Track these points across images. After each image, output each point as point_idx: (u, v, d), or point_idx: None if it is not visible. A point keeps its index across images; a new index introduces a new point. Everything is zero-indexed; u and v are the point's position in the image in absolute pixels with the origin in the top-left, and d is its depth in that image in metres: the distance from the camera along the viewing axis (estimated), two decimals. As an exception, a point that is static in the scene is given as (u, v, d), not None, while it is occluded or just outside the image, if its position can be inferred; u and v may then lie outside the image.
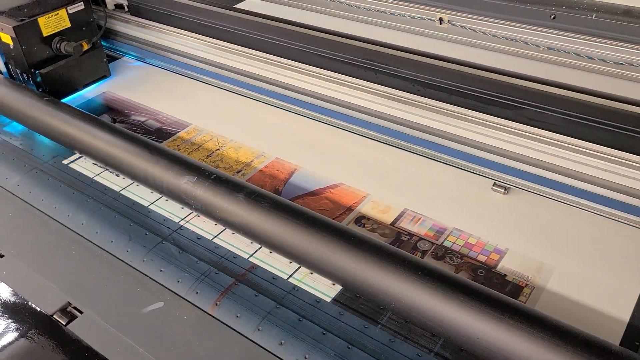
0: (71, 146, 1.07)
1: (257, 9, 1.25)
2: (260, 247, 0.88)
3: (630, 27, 0.83)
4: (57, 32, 1.25)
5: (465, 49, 0.99)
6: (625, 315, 0.75)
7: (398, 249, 0.77)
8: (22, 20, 1.18)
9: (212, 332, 0.76)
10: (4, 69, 1.28)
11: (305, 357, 0.72)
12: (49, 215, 0.97)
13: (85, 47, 1.27)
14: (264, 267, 0.84)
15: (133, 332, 0.77)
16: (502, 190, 0.96)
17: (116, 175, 1.05)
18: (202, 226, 0.92)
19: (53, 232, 0.95)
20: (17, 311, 0.82)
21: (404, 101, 1.04)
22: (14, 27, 1.16)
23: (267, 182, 1.01)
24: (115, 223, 0.94)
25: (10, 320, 0.80)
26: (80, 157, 1.10)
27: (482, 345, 0.66)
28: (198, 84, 1.35)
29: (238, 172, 1.05)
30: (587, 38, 0.87)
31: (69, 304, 0.82)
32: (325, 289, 0.80)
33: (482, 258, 0.84)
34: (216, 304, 0.79)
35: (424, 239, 0.88)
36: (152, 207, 0.97)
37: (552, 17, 0.89)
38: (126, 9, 1.47)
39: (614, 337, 0.72)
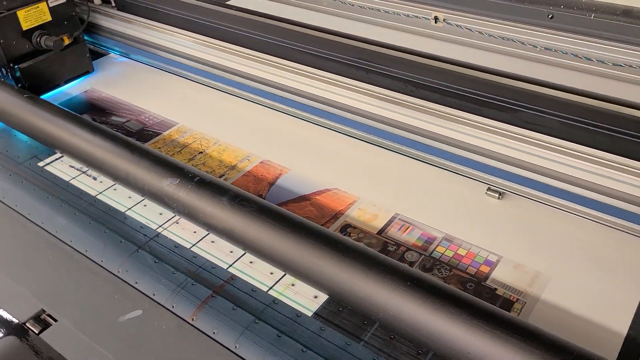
0: (50, 145, 1.04)
1: (249, 6, 1.22)
2: (240, 257, 0.84)
3: (629, 27, 0.81)
4: (37, 25, 1.21)
5: (461, 49, 0.97)
6: (622, 327, 0.72)
7: (387, 257, 0.74)
8: (0, 13, 1.15)
9: (191, 343, 0.73)
10: None
11: (284, 376, 0.68)
12: (26, 217, 0.94)
13: (67, 41, 1.24)
14: (243, 279, 0.81)
15: (109, 342, 0.74)
16: (497, 195, 0.93)
17: (93, 178, 1.01)
18: (180, 234, 0.89)
19: (28, 235, 0.91)
20: (-12, 318, 0.79)
21: (396, 102, 1.01)
22: None
23: (250, 186, 0.98)
24: (89, 230, 0.90)
25: (-20, 328, 0.77)
26: (56, 160, 1.07)
27: (472, 360, 0.63)
28: (184, 82, 1.31)
29: (221, 176, 1.01)
30: (586, 38, 0.84)
31: (43, 311, 0.79)
32: (306, 303, 0.77)
33: (471, 270, 0.81)
34: (192, 319, 0.76)
35: (412, 250, 0.84)
36: (129, 212, 0.94)
37: (550, 16, 0.87)
38: (113, 4, 1.43)
39: (611, 351, 0.69)
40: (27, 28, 1.20)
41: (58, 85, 1.29)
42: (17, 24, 1.18)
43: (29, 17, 1.19)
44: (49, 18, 1.22)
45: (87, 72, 1.34)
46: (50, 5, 1.22)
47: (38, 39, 1.21)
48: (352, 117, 1.08)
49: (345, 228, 0.89)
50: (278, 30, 1.15)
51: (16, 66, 1.19)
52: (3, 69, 1.20)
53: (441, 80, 0.97)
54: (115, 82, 1.33)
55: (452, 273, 0.80)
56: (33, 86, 1.22)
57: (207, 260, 0.84)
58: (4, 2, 1.16)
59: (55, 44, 1.21)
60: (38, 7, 1.20)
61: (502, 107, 0.92)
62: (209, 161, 1.05)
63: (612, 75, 0.85)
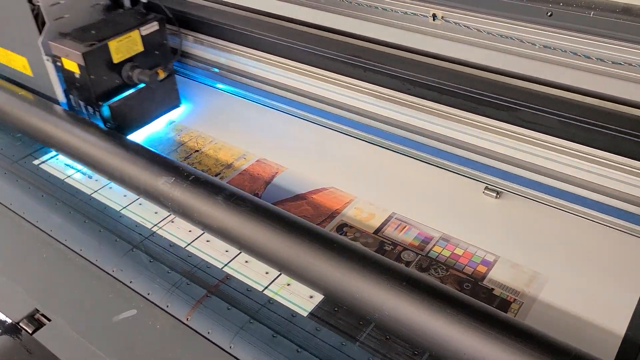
0: (46, 143, 1.03)
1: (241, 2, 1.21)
2: (236, 256, 0.84)
3: (629, 25, 0.80)
4: (129, 57, 1.04)
5: (459, 47, 0.96)
6: (620, 328, 0.72)
7: (383, 257, 0.74)
8: (91, 44, 0.99)
9: (186, 343, 0.72)
10: (63, 99, 1.10)
11: (278, 377, 0.68)
12: (20, 216, 0.94)
13: (162, 75, 1.07)
14: (238, 278, 0.80)
15: (103, 341, 0.74)
16: (494, 195, 0.92)
17: (88, 177, 1.01)
18: (176, 233, 0.88)
19: (23, 234, 0.91)
20: (-19, 318, 0.78)
21: (394, 100, 1.01)
22: (83, 54, 0.97)
23: (246, 185, 0.97)
24: (84, 229, 0.90)
25: (-27, 328, 0.77)
26: (51, 158, 1.06)
27: (468, 362, 0.62)
28: (178, 79, 1.30)
29: (217, 175, 1.01)
30: (585, 36, 0.83)
31: (37, 310, 0.79)
32: (301, 302, 0.76)
33: (468, 270, 0.80)
34: (187, 319, 0.75)
35: (409, 249, 0.84)
36: (124, 211, 0.93)
37: (549, 14, 0.86)
38: None
39: (609, 352, 0.69)
40: (119, 61, 1.03)
41: (145, 124, 1.11)
42: (108, 56, 1.01)
43: (121, 48, 1.02)
44: (141, 48, 1.06)
45: (175, 106, 1.16)
46: (143, 33, 1.05)
47: (130, 73, 1.04)
48: (348, 115, 1.07)
49: (342, 227, 0.88)
50: (274, 27, 1.14)
51: (106, 104, 1.03)
52: (90, 108, 1.04)
53: (439, 78, 0.96)
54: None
55: (449, 273, 0.80)
56: (121, 126, 1.06)
57: (202, 260, 0.83)
58: (93, 32, 1.02)
59: (152, 79, 1.04)
60: (130, 36, 1.03)
61: (501, 106, 0.91)
62: (204, 160, 1.04)
63: (611, 74, 0.84)
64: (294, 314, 0.75)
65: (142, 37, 1.05)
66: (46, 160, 1.05)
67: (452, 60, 0.96)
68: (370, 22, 1.04)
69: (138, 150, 0.92)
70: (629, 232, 0.85)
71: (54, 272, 0.84)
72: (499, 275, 0.79)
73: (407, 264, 0.81)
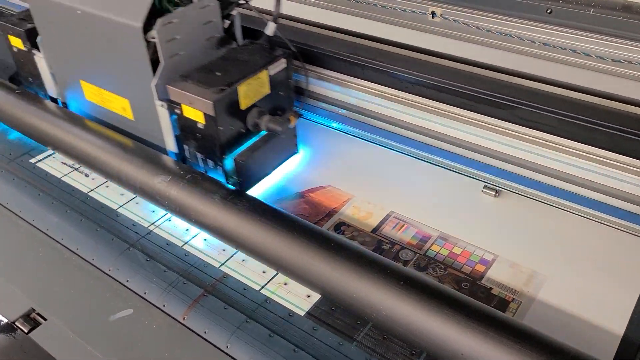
0: (43, 142, 1.03)
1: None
2: (232, 255, 0.83)
3: (629, 23, 0.80)
4: (255, 102, 0.89)
5: (458, 44, 0.96)
6: (619, 328, 0.71)
7: (381, 256, 0.74)
8: (220, 90, 0.83)
9: (182, 343, 0.72)
10: (173, 149, 0.94)
11: (275, 377, 0.68)
12: (17, 215, 0.93)
13: (293, 122, 0.92)
14: (235, 277, 0.80)
15: (99, 341, 0.74)
16: (493, 193, 0.92)
17: (85, 175, 1.00)
18: (172, 232, 0.88)
19: (19, 233, 0.91)
20: (-23, 317, 0.78)
21: (392, 98, 1.00)
22: (214, 103, 0.81)
23: (244, 184, 0.97)
24: (81, 228, 0.89)
25: (-32, 328, 0.77)
26: (48, 156, 1.06)
27: (467, 362, 0.62)
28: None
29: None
30: (585, 34, 0.83)
31: (33, 310, 0.78)
32: (298, 302, 0.76)
33: (467, 269, 0.80)
34: (183, 318, 0.75)
35: (407, 248, 0.83)
36: (120, 210, 0.93)
37: (549, 11, 0.85)
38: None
39: (607, 352, 0.68)
40: (246, 107, 0.87)
41: (265, 175, 0.96)
42: (236, 102, 0.85)
43: (249, 93, 0.87)
44: (268, 91, 0.91)
45: (293, 153, 1.01)
46: (271, 73, 0.90)
47: (257, 120, 0.88)
48: (346, 113, 1.07)
49: (340, 226, 0.88)
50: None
51: (230, 157, 0.88)
52: (209, 161, 0.90)
53: (437, 76, 0.95)
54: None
55: (447, 272, 0.79)
56: (245, 181, 0.91)
57: (199, 259, 0.83)
58: (217, 73, 0.86)
59: (284, 127, 0.89)
60: (259, 77, 0.88)
61: (500, 104, 0.90)
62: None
63: (611, 72, 0.84)
64: (291, 314, 0.75)
65: (271, 77, 0.90)
66: (42, 159, 1.05)
67: (451, 57, 0.95)
68: (368, 19, 1.03)
69: (134, 149, 0.92)
70: (628, 231, 0.84)
71: (50, 271, 0.84)
72: (498, 275, 0.79)
73: (405, 263, 0.81)
